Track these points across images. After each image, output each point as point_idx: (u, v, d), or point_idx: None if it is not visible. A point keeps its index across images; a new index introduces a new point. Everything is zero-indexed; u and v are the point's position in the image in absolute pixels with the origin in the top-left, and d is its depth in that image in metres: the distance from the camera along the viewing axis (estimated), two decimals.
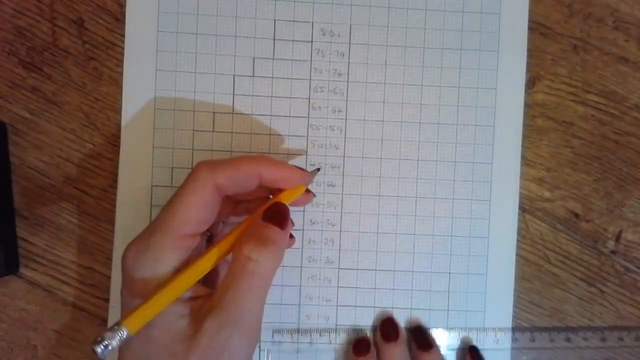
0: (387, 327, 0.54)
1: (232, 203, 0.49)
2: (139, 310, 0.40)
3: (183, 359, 0.40)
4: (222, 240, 0.44)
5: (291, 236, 0.52)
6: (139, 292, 0.41)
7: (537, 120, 0.55)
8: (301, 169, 0.47)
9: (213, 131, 0.54)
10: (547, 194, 0.56)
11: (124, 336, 0.39)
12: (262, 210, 0.44)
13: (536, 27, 0.55)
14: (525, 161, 0.55)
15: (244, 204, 0.49)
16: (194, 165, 0.46)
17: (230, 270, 0.42)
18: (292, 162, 0.54)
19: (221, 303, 0.40)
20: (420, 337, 0.54)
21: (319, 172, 0.54)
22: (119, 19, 0.54)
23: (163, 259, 0.41)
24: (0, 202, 0.53)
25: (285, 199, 0.46)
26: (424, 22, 0.55)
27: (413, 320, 0.55)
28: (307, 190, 0.49)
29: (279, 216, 0.44)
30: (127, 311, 0.41)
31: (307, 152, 0.55)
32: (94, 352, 0.38)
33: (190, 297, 0.42)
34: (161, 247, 0.41)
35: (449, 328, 0.55)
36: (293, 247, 0.54)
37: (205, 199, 0.43)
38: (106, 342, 0.38)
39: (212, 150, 0.54)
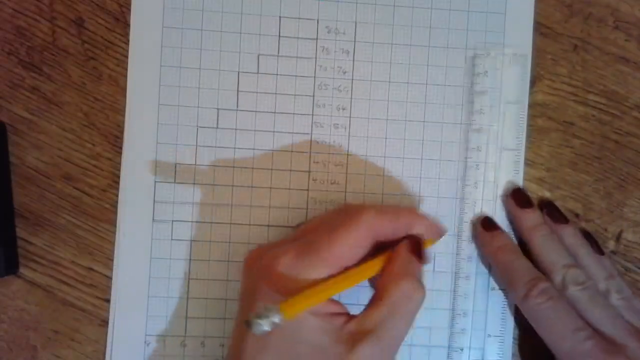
0: (519, 195, 0.55)
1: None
2: (296, 298, 0.41)
3: None
4: (381, 256, 0.47)
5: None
6: (282, 287, 0.43)
7: (538, 120, 0.56)
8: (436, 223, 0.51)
9: (217, 127, 0.54)
10: (547, 194, 0.56)
11: (278, 320, 0.39)
12: (413, 246, 0.47)
13: (536, 27, 0.55)
14: (526, 161, 0.56)
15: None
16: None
17: (389, 303, 0.44)
18: (295, 162, 0.54)
19: (378, 333, 0.43)
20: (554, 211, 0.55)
21: (327, 171, 0.55)
22: (119, 19, 0.54)
23: (310, 277, 0.44)
24: (0, 202, 0.53)
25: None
26: (429, 20, 0.55)
27: None
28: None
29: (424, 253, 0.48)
30: (267, 300, 0.43)
31: (310, 149, 0.55)
32: (248, 325, 0.38)
33: (331, 312, 0.44)
34: (311, 269, 0.44)
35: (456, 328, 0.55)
36: None
37: (364, 241, 0.46)
38: (260, 321, 0.38)
39: (215, 147, 0.54)
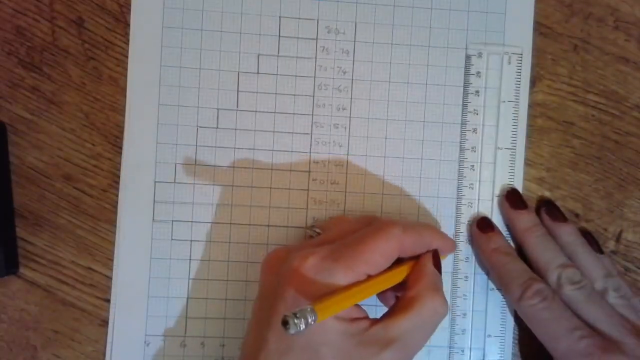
0: (512, 197, 0.55)
1: None
2: (331, 300, 0.41)
3: None
4: (405, 265, 0.48)
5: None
6: (308, 290, 0.44)
7: (538, 120, 0.56)
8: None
9: (217, 128, 0.54)
10: (547, 194, 0.56)
11: (312, 321, 0.39)
12: (436, 261, 0.49)
13: (536, 27, 0.55)
14: (526, 161, 0.56)
15: None
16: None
17: (418, 315, 0.45)
18: (295, 162, 0.55)
19: (404, 341, 0.44)
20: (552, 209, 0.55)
21: (327, 171, 0.55)
22: (119, 19, 0.54)
23: (336, 282, 0.44)
24: (0, 202, 0.53)
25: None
26: (429, 20, 0.55)
27: None
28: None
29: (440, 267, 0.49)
30: (292, 305, 0.43)
31: (310, 149, 0.55)
32: (286, 324, 0.38)
33: (353, 317, 0.44)
34: (338, 275, 0.44)
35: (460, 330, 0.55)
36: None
37: (391, 254, 0.47)
38: (297, 321, 0.38)
39: (215, 147, 0.54)
